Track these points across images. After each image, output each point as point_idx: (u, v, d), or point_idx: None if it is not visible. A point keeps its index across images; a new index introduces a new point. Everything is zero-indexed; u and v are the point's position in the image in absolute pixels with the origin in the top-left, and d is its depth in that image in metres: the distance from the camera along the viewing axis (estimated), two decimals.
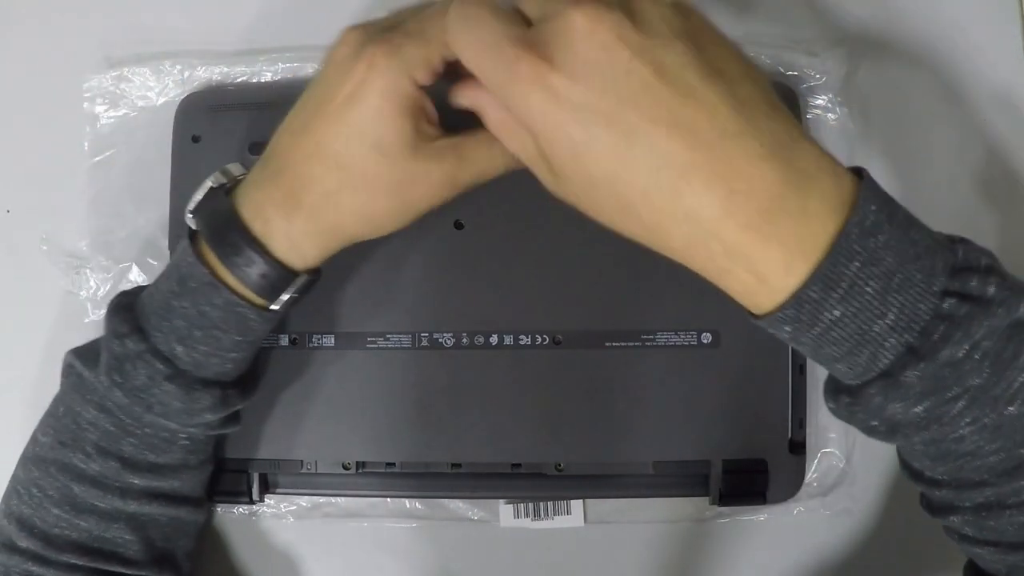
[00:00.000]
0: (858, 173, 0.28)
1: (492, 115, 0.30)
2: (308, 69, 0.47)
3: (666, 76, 0.25)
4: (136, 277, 0.47)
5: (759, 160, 0.26)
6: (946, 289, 0.27)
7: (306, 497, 0.47)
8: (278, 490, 0.45)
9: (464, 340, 0.44)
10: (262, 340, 0.39)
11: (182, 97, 0.47)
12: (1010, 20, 0.48)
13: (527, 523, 0.46)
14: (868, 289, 0.26)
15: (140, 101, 0.48)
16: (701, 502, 0.45)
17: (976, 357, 0.27)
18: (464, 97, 0.32)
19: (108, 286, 0.48)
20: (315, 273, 0.37)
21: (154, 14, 0.49)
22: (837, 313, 0.27)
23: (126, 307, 0.38)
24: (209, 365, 0.37)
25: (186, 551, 0.43)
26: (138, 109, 0.48)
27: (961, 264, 0.28)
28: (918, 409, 0.28)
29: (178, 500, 0.41)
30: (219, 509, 0.47)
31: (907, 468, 0.34)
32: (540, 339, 0.44)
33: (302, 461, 0.44)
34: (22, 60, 0.50)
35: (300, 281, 0.36)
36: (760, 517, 0.46)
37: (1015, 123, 0.48)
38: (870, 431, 0.31)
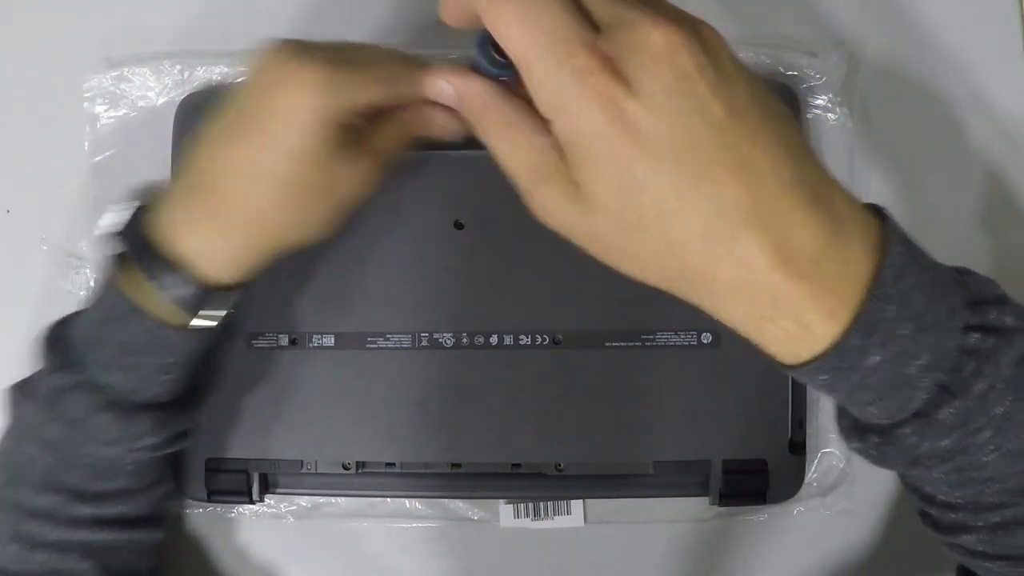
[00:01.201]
0: (877, 211, 0.28)
1: (503, 135, 0.28)
2: None
3: (736, 116, 0.24)
4: None
5: (809, 208, 0.25)
6: (968, 324, 0.27)
7: (306, 497, 0.47)
8: (278, 490, 0.45)
9: (464, 340, 0.44)
10: (199, 356, 0.38)
11: (182, 97, 0.47)
12: (1010, 20, 0.48)
13: (527, 523, 0.46)
14: (904, 332, 0.26)
15: (140, 101, 0.48)
16: (701, 502, 0.45)
17: (999, 387, 0.28)
18: (463, 97, 0.29)
19: None
20: (243, 286, 0.36)
21: (154, 14, 0.49)
22: (877, 359, 0.26)
23: (59, 339, 0.37)
24: (144, 389, 0.36)
25: (149, 568, 0.42)
26: (138, 109, 0.48)
27: (976, 297, 0.28)
28: (945, 443, 0.28)
29: (131, 523, 0.40)
30: (219, 509, 0.47)
31: (917, 492, 0.33)
32: (540, 339, 0.44)
33: (302, 461, 0.44)
34: (22, 60, 0.50)
35: (231, 296, 0.35)
36: (760, 517, 0.46)
37: (1014, 121, 0.48)
38: (890, 465, 0.31)
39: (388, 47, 0.35)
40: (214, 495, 0.44)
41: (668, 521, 0.46)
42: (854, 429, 0.31)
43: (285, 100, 0.31)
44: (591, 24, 0.25)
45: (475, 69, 0.29)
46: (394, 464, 0.44)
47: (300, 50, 0.31)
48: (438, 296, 0.44)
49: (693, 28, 0.24)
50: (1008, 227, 0.47)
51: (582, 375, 0.43)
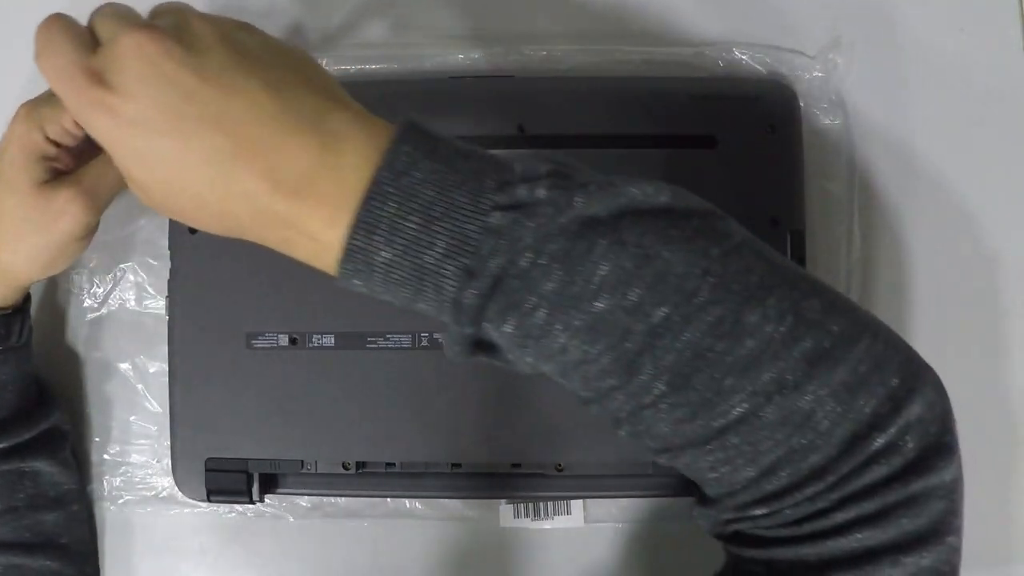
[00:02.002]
0: (405, 125, 0.29)
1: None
2: None
3: (208, 79, 0.28)
4: (136, 277, 0.47)
5: (293, 133, 0.28)
6: (495, 204, 0.27)
7: (306, 497, 0.47)
8: (278, 490, 0.46)
9: None
10: (10, 379, 0.42)
11: None
12: (1010, 20, 0.48)
13: (527, 523, 0.46)
14: (409, 225, 0.27)
15: None
16: None
17: (542, 262, 0.27)
18: None
19: (108, 286, 0.48)
20: (10, 308, 0.42)
21: None
22: (386, 255, 0.28)
23: None
24: None
25: None
26: None
27: (515, 178, 0.28)
28: (508, 329, 0.28)
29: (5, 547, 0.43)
30: (219, 509, 0.47)
31: (581, 399, 0.31)
32: None
33: (302, 461, 0.44)
34: (24, 61, 0.50)
35: None
36: None
37: (1014, 120, 0.48)
38: (500, 360, 0.30)
39: None
40: (214, 495, 0.44)
41: (668, 521, 0.46)
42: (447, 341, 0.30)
43: (8, 135, 0.37)
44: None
45: None
46: (394, 464, 0.44)
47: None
48: None
49: (168, 25, 0.29)
50: (1007, 223, 0.47)
51: None
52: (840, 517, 0.28)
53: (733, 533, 0.31)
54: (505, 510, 0.46)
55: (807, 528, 0.28)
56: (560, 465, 0.44)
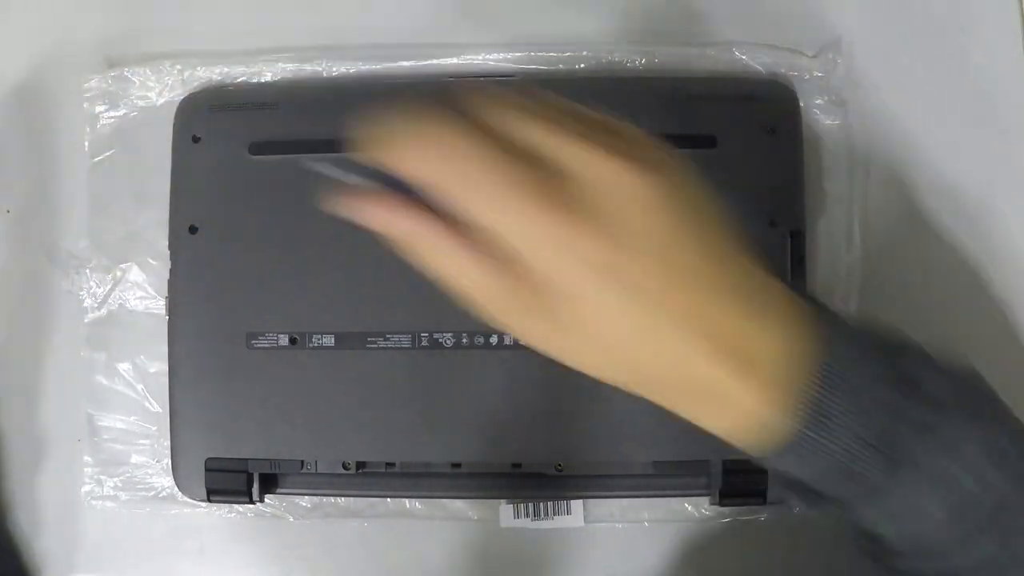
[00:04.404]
0: (812, 300, 0.29)
1: (442, 257, 0.28)
2: (307, 69, 0.47)
3: (693, 238, 0.26)
4: (136, 277, 0.47)
5: (732, 302, 0.26)
6: (910, 396, 0.28)
7: (306, 497, 0.47)
8: (278, 490, 0.45)
9: (464, 340, 0.44)
10: None
11: (182, 97, 0.47)
12: (1010, 19, 0.48)
13: (527, 523, 0.46)
14: (853, 424, 0.27)
15: (140, 101, 0.48)
16: (701, 502, 0.45)
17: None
18: (387, 224, 0.28)
19: (108, 286, 0.48)
20: None
21: (154, 14, 0.49)
22: (832, 448, 0.27)
23: None
24: None
25: None
26: (138, 109, 0.48)
27: (907, 367, 0.28)
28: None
29: None
30: (219, 509, 0.47)
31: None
32: None
33: (302, 461, 0.44)
34: (22, 60, 0.50)
35: None
36: (760, 517, 0.46)
37: (1015, 120, 0.48)
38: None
39: None
40: (214, 495, 0.44)
41: (668, 521, 0.46)
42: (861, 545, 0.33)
43: None
44: (544, 166, 0.25)
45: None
46: (394, 464, 0.44)
47: None
48: (438, 296, 0.44)
49: (655, 162, 0.26)
50: (1008, 223, 0.47)
51: (582, 374, 0.43)
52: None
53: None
54: (505, 510, 0.46)
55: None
56: (560, 465, 0.44)
